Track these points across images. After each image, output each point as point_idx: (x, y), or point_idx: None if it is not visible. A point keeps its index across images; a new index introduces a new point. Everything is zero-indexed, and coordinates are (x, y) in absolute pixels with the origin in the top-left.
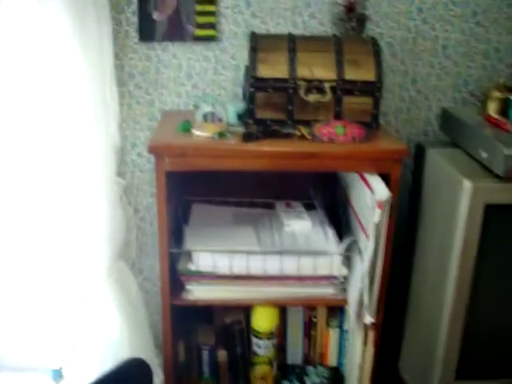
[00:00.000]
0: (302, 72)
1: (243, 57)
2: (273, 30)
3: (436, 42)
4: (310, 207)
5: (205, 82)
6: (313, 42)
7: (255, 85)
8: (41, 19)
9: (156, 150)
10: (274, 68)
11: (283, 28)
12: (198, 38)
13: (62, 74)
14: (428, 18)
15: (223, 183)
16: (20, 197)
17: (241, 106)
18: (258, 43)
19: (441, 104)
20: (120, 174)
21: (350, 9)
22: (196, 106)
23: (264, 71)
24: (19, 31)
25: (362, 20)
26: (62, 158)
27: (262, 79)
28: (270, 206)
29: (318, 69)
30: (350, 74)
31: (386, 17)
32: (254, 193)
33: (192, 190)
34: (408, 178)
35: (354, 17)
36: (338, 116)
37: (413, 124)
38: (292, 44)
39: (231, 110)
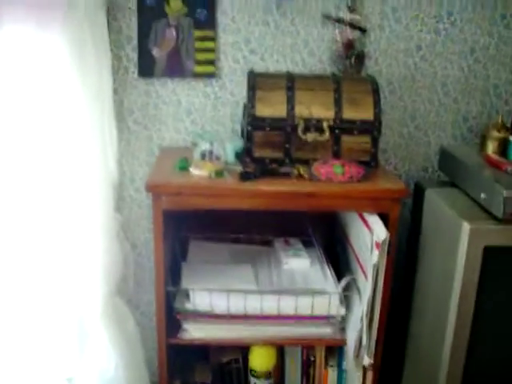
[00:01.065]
0: (301, 111)
1: (242, 93)
2: (272, 67)
3: (435, 78)
4: (308, 244)
5: (204, 118)
6: (311, 81)
7: (253, 123)
8: (40, 51)
9: (153, 189)
10: (272, 107)
11: (282, 65)
12: (197, 75)
13: (61, 109)
14: (427, 55)
15: (221, 219)
16: (18, 229)
17: (239, 144)
18: (257, 82)
19: (440, 140)
20: (118, 209)
21: (348, 46)
22: (194, 144)
23: (262, 110)
24: (18, 61)
25: (360, 57)
26: (60, 192)
27: (260, 118)
28: (268, 243)
29: (316, 107)
30: (349, 113)
31: (384, 54)
32: (251, 229)
33: (189, 225)
34: (407, 217)
35: (352, 54)
36: (336, 155)
37: (412, 160)
38: (290, 83)
39: (229, 148)
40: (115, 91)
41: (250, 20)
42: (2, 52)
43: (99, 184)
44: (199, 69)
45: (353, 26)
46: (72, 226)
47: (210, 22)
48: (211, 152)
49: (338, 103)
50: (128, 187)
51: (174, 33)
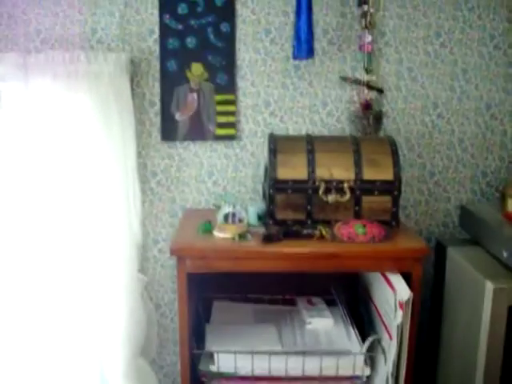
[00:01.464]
0: (321, 173)
1: (263, 154)
2: (291, 128)
3: (452, 135)
4: (331, 303)
5: (225, 180)
6: (331, 143)
7: (275, 186)
8: (66, 115)
9: (178, 252)
10: (294, 170)
11: (302, 126)
12: (218, 137)
13: (86, 171)
14: (443, 112)
15: (244, 279)
16: (44, 286)
17: (261, 206)
18: (277, 145)
19: (459, 196)
20: (141, 269)
21: (366, 106)
22: (217, 206)
23: (283, 173)
24: (45, 122)
25: (378, 117)
26: (85, 252)
27: (282, 181)
28: (291, 303)
29: (336, 169)
30: (369, 174)
31: (402, 113)
32: (274, 289)
33: (212, 286)
34: (430, 272)
35: (370, 114)
36: (357, 215)
37: (432, 216)
38: (310, 145)
39: (252, 210)
40: (139, 154)
41: (268, 83)
42: (30, 114)
43: (123, 245)
44: (220, 131)
45: (370, 86)
46: (96, 287)
47: (230, 87)
48: (234, 214)
49: (357, 164)
50: (152, 248)
51: (196, 97)
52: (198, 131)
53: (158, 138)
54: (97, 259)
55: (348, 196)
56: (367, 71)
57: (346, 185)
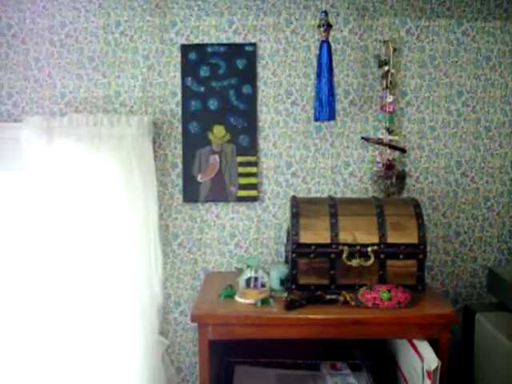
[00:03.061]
0: (345, 237)
1: (285, 216)
2: (314, 189)
3: (477, 193)
4: (356, 368)
5: (247, 241)
6: (354, 206)
7: (298, 251)
8: (89, 177)
9: (199, 319)
10: (316, 234)
11: (324, 187)
12: (240, 199)
13: (108, 232)
14: (467, 171)
15: (266, 343)
16: (66, 351)
17: (284, 270)
18: (300, 208)
19: (486, 255)
20: (162, 332)
21: (389, 166)
22: (239, 269)
23: (306, 237)
24: (69, 183)
25: (401, 177)
26: (106, 314)
27: (305, 245)
28: (315, 368)
29: (360, 233)
30: (393, 238)
31: (425, 172)
32: (297, 353)
33: (235, 350)
34: (458, 336)
35: (393, 174)
36: (382, 280)
37: (459, 277)
38: (333, 209)
39: (274, 275)
40: (161, 216)
41: (290, 144)
42: (54, 175)
43: (144, 306)
44: (242, 193)
45: (392, 146)
46: (117, 349)
47: (252, 148)
48: (256, 279)
49: (381, 228)
50: (173, 310)
51: (218, 159)
52: (219, 193)
53: (180, 200)
54: (118, 321)
55: (372, 260)
56: (389, 131)
57: (369, 249)
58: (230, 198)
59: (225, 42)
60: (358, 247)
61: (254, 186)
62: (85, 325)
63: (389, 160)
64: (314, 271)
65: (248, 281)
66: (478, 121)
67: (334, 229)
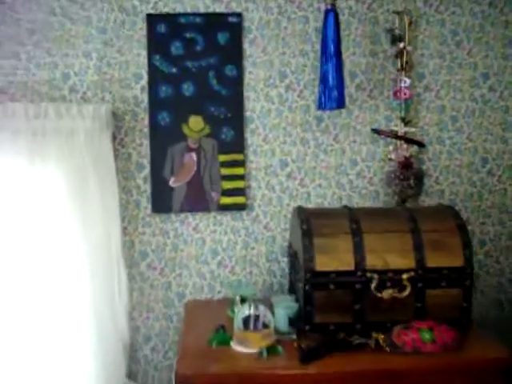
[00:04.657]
0: (373, 261)
1: (279, 226)
2: (313, 193)
3: (505, 196)
4: None
5: (233, 259)
6: (380, 219)
7: (313, 281)
8: (32, 186)
9: (187, 381)
10: (336, 258)
11: (325, 190)
12: (223, 207)
13: (53, 256)
14: (494, 168)
15: None
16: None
17: (292, 306)
18: (311, 224)
19: None
20: (131, 374)
21: (406, 165)
22: (229, 301)
23: (324, 263)
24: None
25: (419, 177)
26: (58, 357)
27: (321, 273)
28: None
29: (391, 256)
30: (433, 260)
31: (446, 171)
32: None
33: None
34: None
35: (411, 174)
36: (419, 314)
37: (484, 293)
38: (355, 223)
39: (280, 312)
40: (124, 231)
41: (285, 139)
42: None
43: (106, 345)
44: (226, 200)
45: (409, 140)
46: None
47: (237, 144)
48: (257, 318)
49: (418, 248)
50: (142, 346)
51: (195, 158)
52: (198, 200)
53: (149, 210)
54: (73, 366)
55: (408, 290)
56: (405, 122)
57: (404, 276)
58: (211, 207)
59: (202, 11)
60: (389, 274)
61: (240, 191)
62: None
63: (405, 157)
64: (334, 306)
65: (246, 320)
66: (507, 109)
67: (359, 251)
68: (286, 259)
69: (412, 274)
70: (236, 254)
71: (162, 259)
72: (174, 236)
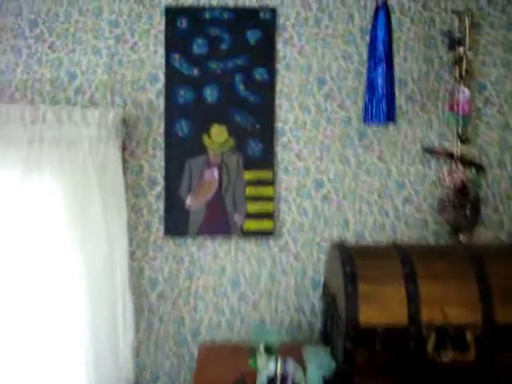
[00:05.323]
0: (429, 315)
1: (311, 257)
2: (352, 220)
3: None
4: None
5: (257, 292)
6: (437, 260)
7: (356, 337)
8: (29, 202)
9: None
10: (385, 309)
11: (366, 217)
12: (248, 232)
13: (51, 282)
14: None
15: None
16: None
17: (329, 365)
18: (356, 266)
19: None
20: None
21: (462, 190)
22: (250, 350)
23: (369, 315)
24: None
25: (476, 205)
26: None
27: (366, 329)
28: None
29: (452, 308)
30: (504, 314)
31: (507, 198)
32: None
33: None
34: None
35: (468, 202)
36: (486, 382)
37: None
38: (408, 267)
39: (313, 373)
40: (132, 256)
41: (322, 155)
42: None
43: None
44: (251, 224)
45: (467, 162)
46: None
47: (266, 160)
48: (284, 379)
49: (485, 298)
50: None
51: (217, 174)
52: (218, 223)
53: (161, 232)
54: None
55: (473, 352)
56: (462, 140)
57: (469, 335)
58: (234, 232)
59: (230, 4)
60: (450, 331)
61: (267, 215)
62: None
63: (462, 181)
64: (380, 369)
65: (271, 380)
66: None
67: (414, 301)
68: (317, 294)
69: (478, 331)
70: (260, 287)
71: (175, 289)
72: (190, 263)
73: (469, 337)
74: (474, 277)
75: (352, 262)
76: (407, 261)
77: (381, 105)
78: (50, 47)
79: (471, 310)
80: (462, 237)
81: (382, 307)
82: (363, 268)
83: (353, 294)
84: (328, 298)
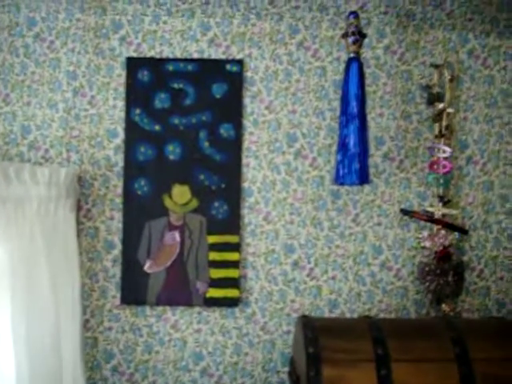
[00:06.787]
0: None
1: (280, 328)
2: (325, 288)
3: None
4: None
5: (221, 367)
6: (414, 340)
7: None
8: None
9: None
10: None
11: (341, 284)
12: (212, 301)
13: None
14: None
15: None
16: None
17: None
18: (320, 345)
19: None
20: None
21: (444, 256)
22: None
23: None
24: None
25: (460, 272)
26: None
27: None
28: None
29: None
30: None
31: (492, 263)
32: None
33: None
34: None
35: (450, 268)
36: None
37: None
38: (381, 347)
39: None
40: (86, 324)
41: (292, 218)
42: None
43: None
44: (215, 292)
45: (449, 225)
46: None
47: (232, 222)
48: None
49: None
50: None
51: (178, 238)
52: (179, 291)
53: (117, 300)
54: None
55: None
56: (443, 201)
57: None
58: (196, 301)
59: (196, 56)
60: None
61: (233, 282)
62: None
63: (444, 246)
64: None
65: None
66: None
67: None
68: (287, 369)
69: None
70: (225, 361)
71: (132, 362)
72: (148, 334)
73: None
74: (456, 362)
75: (316, 341)
76: (380, 340)
77: (353, 165)
78: (3, 100)
79: None
80: (444, 306)
81: None
82: (329, 349)
83: (316, 378)
84: (294, 377)
